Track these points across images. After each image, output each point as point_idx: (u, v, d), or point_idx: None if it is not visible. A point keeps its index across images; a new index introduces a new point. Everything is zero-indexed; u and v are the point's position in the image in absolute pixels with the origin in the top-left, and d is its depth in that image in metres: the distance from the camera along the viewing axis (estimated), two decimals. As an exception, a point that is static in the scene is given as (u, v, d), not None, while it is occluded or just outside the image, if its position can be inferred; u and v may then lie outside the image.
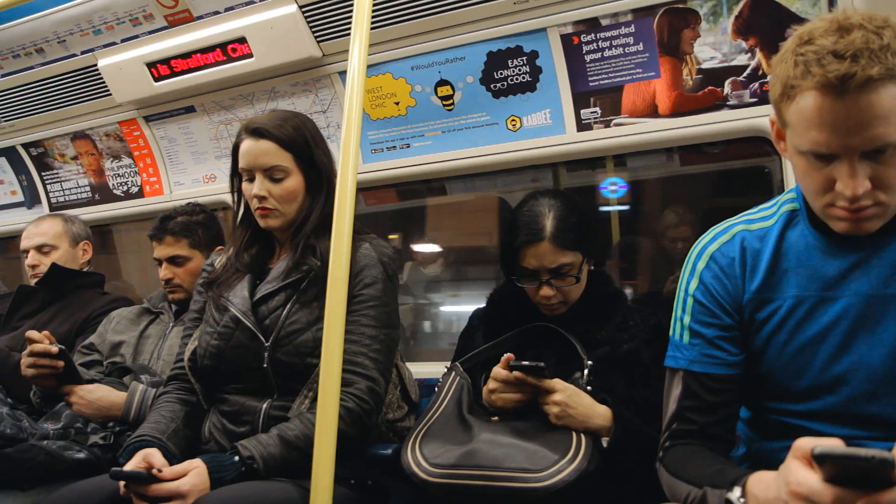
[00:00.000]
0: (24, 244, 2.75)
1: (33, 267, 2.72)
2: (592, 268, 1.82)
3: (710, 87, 2.07)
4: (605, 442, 1.55)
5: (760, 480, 1.01)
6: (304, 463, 1.47)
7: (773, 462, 1.02)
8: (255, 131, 1.76)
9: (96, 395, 2.01)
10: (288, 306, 1.71)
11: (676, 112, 2.13)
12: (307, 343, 1.66)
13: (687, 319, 1.33)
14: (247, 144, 1.77)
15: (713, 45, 2.04)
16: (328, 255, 1.52)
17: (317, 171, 1.79)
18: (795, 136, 1.11)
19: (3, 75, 3.00)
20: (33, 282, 2.72)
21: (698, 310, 1.32)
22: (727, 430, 1.31)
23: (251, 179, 1.76)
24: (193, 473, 1.46)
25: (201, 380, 1.79)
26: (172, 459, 1.59)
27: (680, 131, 2.14)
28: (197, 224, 2.38)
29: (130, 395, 2.03)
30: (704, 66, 2.06)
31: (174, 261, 2.35)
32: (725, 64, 2.04)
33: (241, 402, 1.71)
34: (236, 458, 1.52)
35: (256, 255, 1.85)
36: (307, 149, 1.79)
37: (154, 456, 1.52)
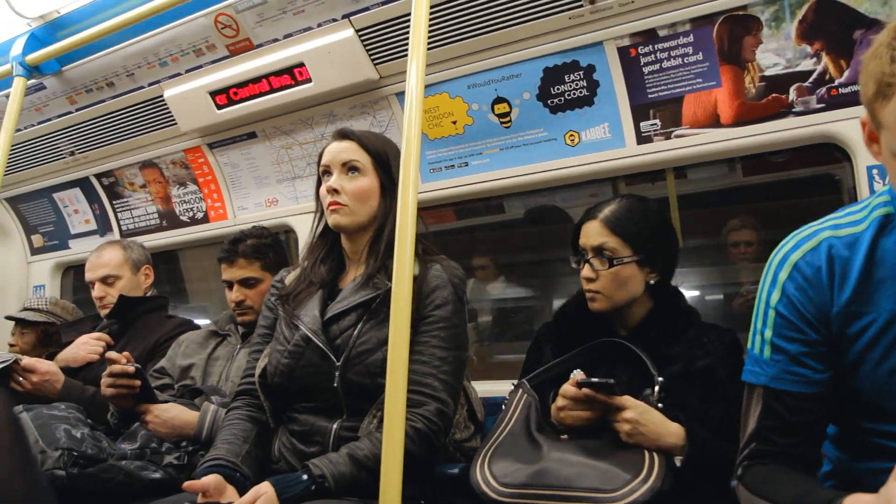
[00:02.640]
0: (88, 276, 2.82)
1: (100, 299, 2.79)
2: (653, 281, 1.79)
3: (774, 95, 2.02)
4: (678, 461, 1.51)
5: (859, 502, 0.96)
6: (374, 482, 1.48)
7: (865, 484, 0.97)
8: (341, 133, 1.86)
9: (170, 414, 2.06)
10: (359, 326, 1.72)
11: (739, 121, 2.09)
12: (377, 363, 1.66)
13: (768, 333, 1.25)
14: (331, 146, 1.85)
15: (776, 52, 1.99)
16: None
17: (392, 183, 1.79)
18: (892, 137, 1.02)
19: (78, 109, 3.14)
20: (102, 312, 2.79)
21: (781, 323, 1.24)
22: (811, 451, 1.24)
23: (329, 175, 1.81)
24: (262, 501, 1.47)
25: (271, 397, 1.81)
26: (245, 482, 1.63)
27: (744, 140, 2.09)
28: (267, 247, 2.43)
29: (203, 416, 2.07)
30: (768, 73, 2.02)
31: (246, 283, 2.39)
32: (790, 70, 1.99)
33: (312, 421, 1.72)
34: (305, 476, 1.53)
35: (329, 270, 1.87)
36: (386, 158, 1.84)
37: (227, 492, 1.56)
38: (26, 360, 2.37)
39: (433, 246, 1.89)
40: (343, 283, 1.86)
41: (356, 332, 1.71)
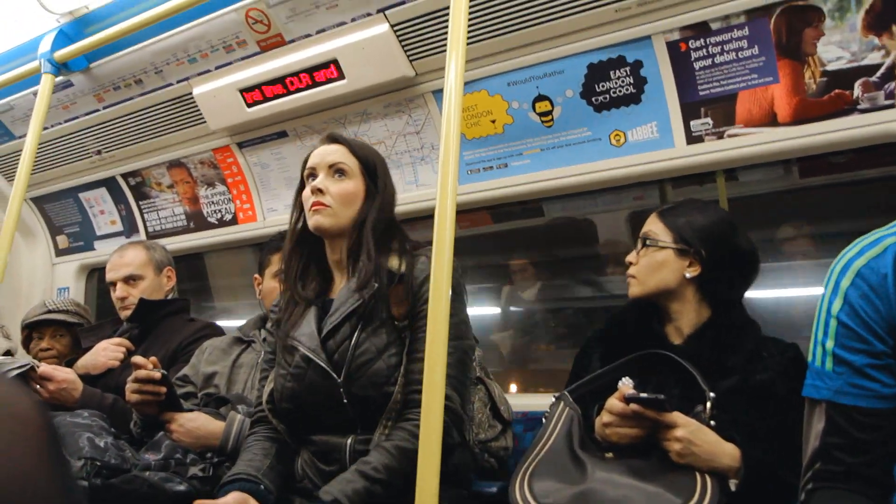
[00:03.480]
0: (110, 276, 2.82)
1: (122, 299, 2.78)
2: (691, 275, 1.76)
3: (836, 91, 1.96)
4: (732, 485, 1.46)
5: None
6: (391, 492, 1.49)
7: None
8: (330, 137, 1.89)
9: (196, 423, 2.06)
10: (355, 336, 1.70)
11: (798, 119, 2.03)
12: (380, 372, 1.65)
13: (830, 344, 1.22)
14: (318, 150, 1.87)
15: (840, 44, 1.93)
16: (386, 274, 1.59)
17: (377, 190, 1.82)
18: None
19: (105, 107, 3.17)
20: (122, 314, 2.79)
21: (843, 333, 1.21)
22: (882, 471, 1.18)
23: (314, 178, 1.82)
24: None
25: (283, 420, 1.81)
26: (269, 496, 1.62)
27: (803, 140, 2.03)
28: None
29: (228, 426, 2.07)
30: (830, 67, 1.95)
31: None
32: (855, 64, 1.92)
33: (325, 440, 1.72)
34: None
35: (316, 286, 1.87)
36: (374, 165, 1.86)
37: None
38: (43, 368, 2.38)
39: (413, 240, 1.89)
40: (334, 293, 1.85)
41: (353, 342, 1.69)
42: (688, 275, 1.77)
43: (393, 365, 1.63)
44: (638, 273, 1.81)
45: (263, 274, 2.53)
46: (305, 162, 1.88)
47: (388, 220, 1.82)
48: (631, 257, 1.85)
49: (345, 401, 1.67)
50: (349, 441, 1.68)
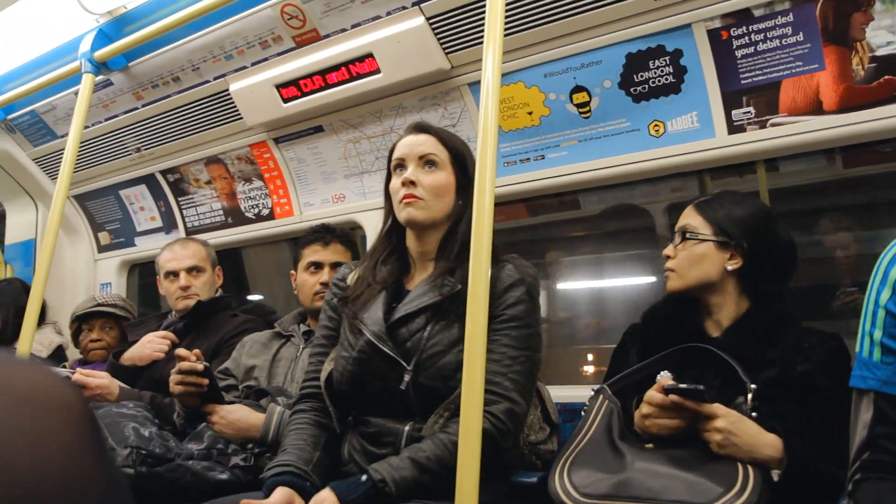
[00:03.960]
0: (172, 266, 2.87)
1: (185, 288, 2.84)
2: (732, 268, 1.77)
3: (886, 77, 1.93)
4: (775, 475, 1.46)
5: None
6: (436, 484, 1.51)
7: None
8: (418, 126, 1.88)
9: (237, 415, 2.12)
10: (428, 328, 1.73)
11: (845, 107, 2.01)
12: (449, 366, 1.68)
13: (878, 334, 1.23)
14: (405, 139, 1.87)
15: (890, 29, 1.91)
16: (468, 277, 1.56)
17: (468, 182, 1.79)
18: None
19: (144, 105, 3.27)
20: (181, 304, 2.85)
21: (892, 323, 1.22)
22: None
23: (403, 169, 1.83)
24: None
25: (338, 404, 1.84)
26: (313, 490, 1.65)
27: (850, 128, 2.01)
28: (354, 243, 2.60)
29: (269, 418, 2.13)
30: (879, 53, 1.94)
31: (336, 267, 2.46)
32: (905, 49, 1.91)
33: (382, 423, 1.75)
34: (364, 478, 1.56)
35: (392, 272, 1.89)
36: (464, 156, 1.86)
37: None
38: (77, 376, 2.47)
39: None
40: (409, 284, 1.88)
41: (426, 333, 1.73)
42: (729, 267, 1.77)
43: (461, 360, 1.65)
44: (677, 266, 1.81)
45: (297, 268, 2.59)
46: (392, 152, 1.89)
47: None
48: (668, 251, 1.85)
49: (409, 389, 1.70)
50: (407, 428, 1.71)
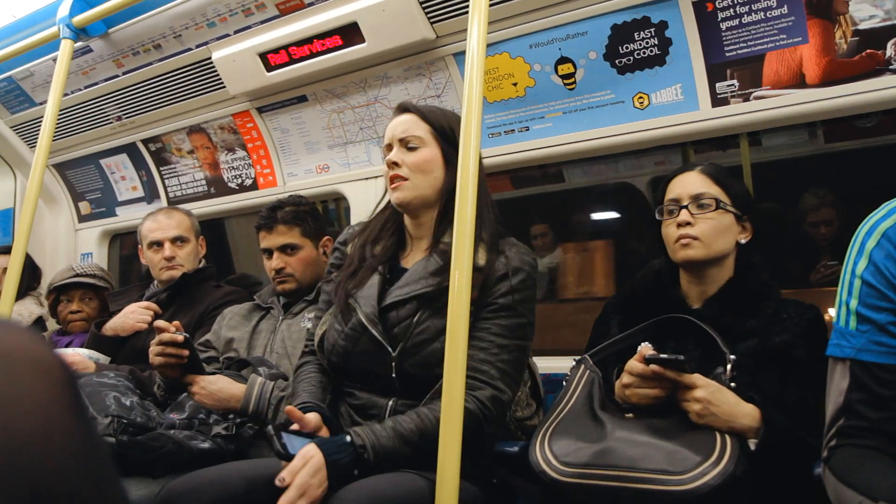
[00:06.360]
0: (156, 235, 2.83)
1: (170, 259, 2.81)
2: (744, 240, 1.78)
3: (868, 51, 1.94)
4: (752, 444, 1.48)
5: None
6: (416, 457, 1.53)
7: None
8: (401, 107, 1.89)
9: (217, 386, 2.11)
10: (418, 315, 1.74)
11: (827, 81, 2.01)
12: (435, 353, 1.67)
13: (854, 304, 1.26)
14: (391, 122, 1.87)
15: (873, 2, 1.90)
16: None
17: (457, 154, 1.73)
18: None
19: (125, 73, 3.21)
20: (167, 274, 2.82)
21: (867, 292, 1.24)
22: None
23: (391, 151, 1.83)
24: (310, 466, 1.49)
25: (330, 367, 1.87)
26: (335, 422, 1.71)
27: (832, 102, 2.02)
28: (305, 213, 2.51)
29: (249, 388, 2.12)
30: (862, 26, 1.93)
31: (285, 250, 2.45)
32: (889, 22, 1.90)
33: (367, 397, 1.78)
34: (348, 438, 1.57)
35: (388, 247, 1.89)
36: (449, 127, 1.84)
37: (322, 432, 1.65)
38: None
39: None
40: (405, 262, 1.88)
41: (415, 320, 1.73)
42: (742, 240, 1.78)
43: None
44: (703, 235, 1.73)
45: None
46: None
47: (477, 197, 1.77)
48: (685, 216, 1.75)
49: (393, 374, 1.72)
50: (390, 402, 1.74)
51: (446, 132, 1.84)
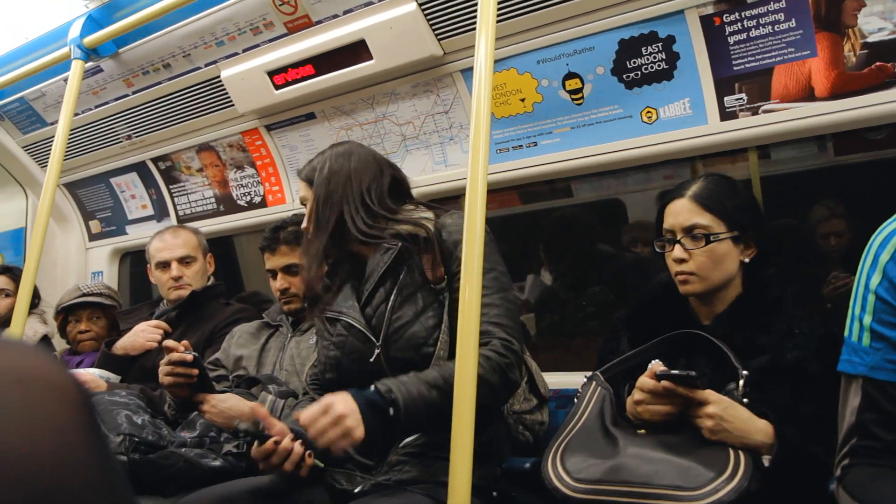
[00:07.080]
0: (163, 255, 2.86)
1: (177, 279, 2.83)
2: (748, 259, 1.76)
3: (877, 64, 1.93)
4: (766, 461, 1.47)
5: None
6: (444, 405, 1.51)
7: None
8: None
9: (227, 404, 2.11)
10: (391, 300, 1.77)
11: (836, 94, 2.01)
12: (418, 334, 1.72)
13: (867, 319, 1.23)
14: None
15: (882, 15, 1.91)
16: (407, 235, 1.68)
17: (329, 189, 1.86)
18: None
19: (134, 92, 3.24)
20: (175, 294, 2.85)
21: (882, 308, 1.22)
22: None
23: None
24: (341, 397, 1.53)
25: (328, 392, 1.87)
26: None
27: (841, 115, 2.01)
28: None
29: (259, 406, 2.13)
30: (871, 39, 1.93)
31: (289, 270, 2.46)
32: (897, 36, 1.90)
33: None
34: (373, 388, 1.58)
35: (350, 270, 1.94)
36: (313, 177, 1.92)
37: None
38: None
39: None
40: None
41: (388, 306, 1.76)
42: (746, 259, 1.76)
43: (431, 326, 1.71)
44: (699, 270, 1.71)
45: None
46: None
47: (373, 192, 1.86)
48: (679, 253, 1.72)
49: (382, 363, 1.73)
50: None
51: (313, 181, 1.92)
